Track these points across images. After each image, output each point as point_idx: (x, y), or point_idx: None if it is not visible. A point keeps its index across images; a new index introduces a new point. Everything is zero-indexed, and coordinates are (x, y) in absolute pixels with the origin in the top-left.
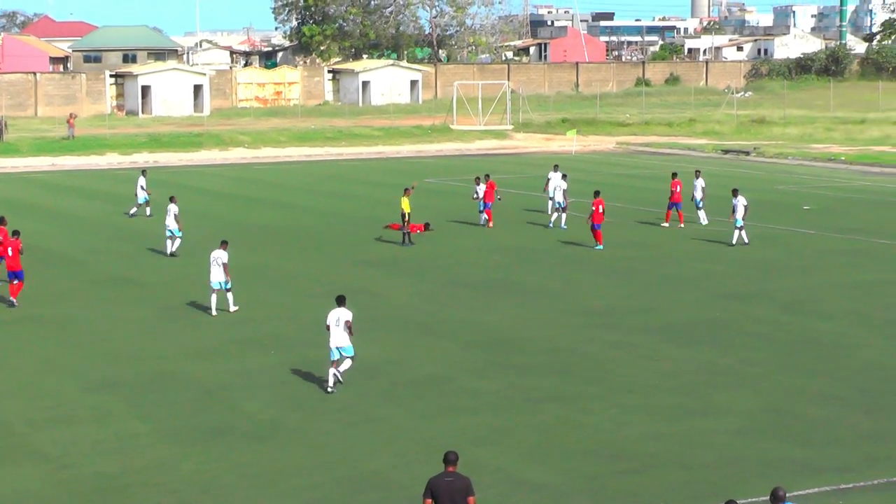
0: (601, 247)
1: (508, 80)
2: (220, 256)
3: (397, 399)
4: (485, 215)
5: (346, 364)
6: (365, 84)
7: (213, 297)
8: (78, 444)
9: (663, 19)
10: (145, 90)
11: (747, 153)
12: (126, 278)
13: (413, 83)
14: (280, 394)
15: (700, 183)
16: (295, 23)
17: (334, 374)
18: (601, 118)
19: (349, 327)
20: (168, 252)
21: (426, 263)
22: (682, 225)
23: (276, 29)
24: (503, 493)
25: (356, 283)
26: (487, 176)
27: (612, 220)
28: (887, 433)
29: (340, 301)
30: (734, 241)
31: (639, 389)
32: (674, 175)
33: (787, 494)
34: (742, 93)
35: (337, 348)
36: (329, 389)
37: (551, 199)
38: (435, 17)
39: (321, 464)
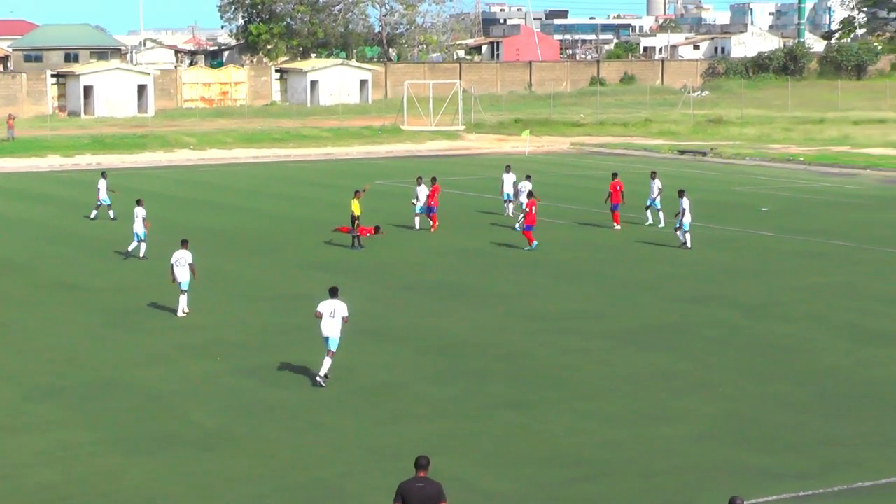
0: (533, 246)
1: (460, 79)
2: (184, 256)
3: (349, 406)
4: (422, 219)
5: (328, 362)
6: (313, 84)
7: (182, 298)
8: (20, 454)
9: (618, 17)
10: (88, 90)
11: (704, 154)
12: (70, 283)
13: (362, 83)
14: (228, 401)
15: (657, 184)
16: (241, 21)
17: (318, 378)
18: (555, 118)
19: (345, 321)
20: (128, 251)
21: (377, 267)
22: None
23: (222, 27)
24: (457, 501)
25: (304, 288)
26: (434, 179)
27: (565, 223)
28: (848, 438)
29: (333, 293)
30: (689, 245)
31: (595, 395)
32: (614, 175)
33: (746, 502)
34: (699, 92)
35: (327, 338)
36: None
37: (506, 200)
38: (385, 16)
39: (271, 472)
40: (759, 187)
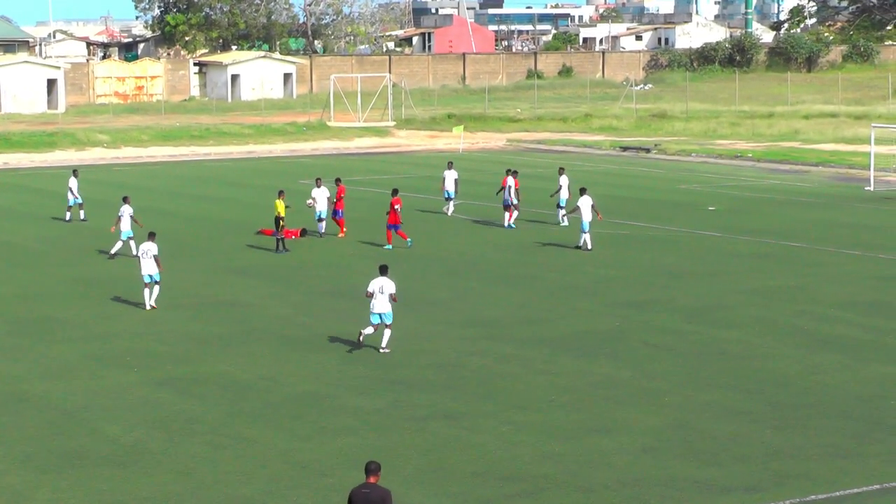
0: (390, 247)
1: (390, 72)
2: (150, 248)
3: (271, 419)
4: (324, 225)
5: (388, 334)
6: (234, 78)
7: (146, 291)
8: None
9: (556, 6)
10: None
11: (647, 150)
12: None
13: (286, 76)
14: (144, 415)
15: (564, 181)
16: (157, 11)
17: (382, 350)
18: (490, 113)
19: (394, 299)
20: (111, 252)
21: (302, 272)
22: (511, 224)
23: (137, 18)
24: None
25: (226, 294)
26: (338, 180)
27: (497, 223)
28: (799, 449)
29: (383, 270)
30: (590, 247)
31: (532, 406)
32: (507, 171)
33: None
34: (641, 85)
35: (380, 314)
36: (360, 338)
37: (447, 198)
38: (309, 5)
39: (189, 490)
40: (705, 185)
